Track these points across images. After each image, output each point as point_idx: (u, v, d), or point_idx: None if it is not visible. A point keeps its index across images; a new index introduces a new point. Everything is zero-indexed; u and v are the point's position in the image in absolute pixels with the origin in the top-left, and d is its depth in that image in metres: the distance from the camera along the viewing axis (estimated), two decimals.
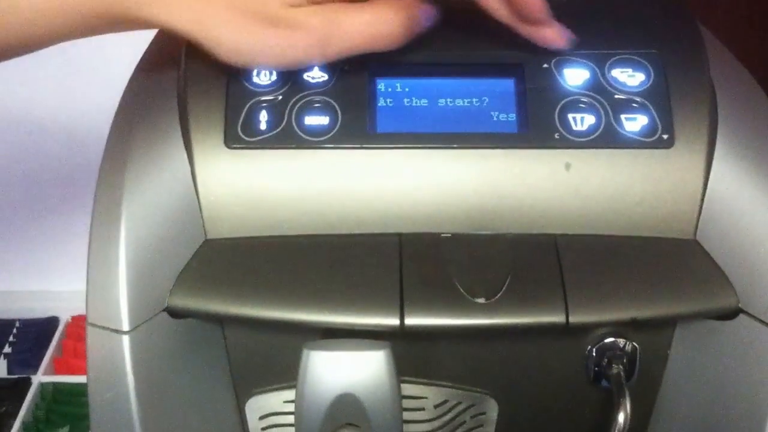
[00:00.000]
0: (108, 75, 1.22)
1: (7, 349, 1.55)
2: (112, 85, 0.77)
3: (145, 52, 0.78)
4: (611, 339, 0.71)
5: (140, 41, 0.79)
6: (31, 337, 1.57)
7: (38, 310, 1.61)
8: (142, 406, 0.66)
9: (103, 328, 0.65)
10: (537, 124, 0.68)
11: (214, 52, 0.66)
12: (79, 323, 1.59)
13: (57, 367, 1.51)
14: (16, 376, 1.47)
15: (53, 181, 1.50)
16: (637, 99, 0.69)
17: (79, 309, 1.56)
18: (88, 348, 0.65)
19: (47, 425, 1.38)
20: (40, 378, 1.45)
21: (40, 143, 1.45)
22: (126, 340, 0.65)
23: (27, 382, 1.44)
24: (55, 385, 1.44)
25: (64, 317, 1.61)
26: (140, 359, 0.65)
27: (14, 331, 1.59)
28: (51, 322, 1.60)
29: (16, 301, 1.62)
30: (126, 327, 0.64)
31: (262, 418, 0.76)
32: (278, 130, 0.68)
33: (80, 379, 1.44)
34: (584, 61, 0.70)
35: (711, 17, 0.79)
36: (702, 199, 0.67)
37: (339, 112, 0.69)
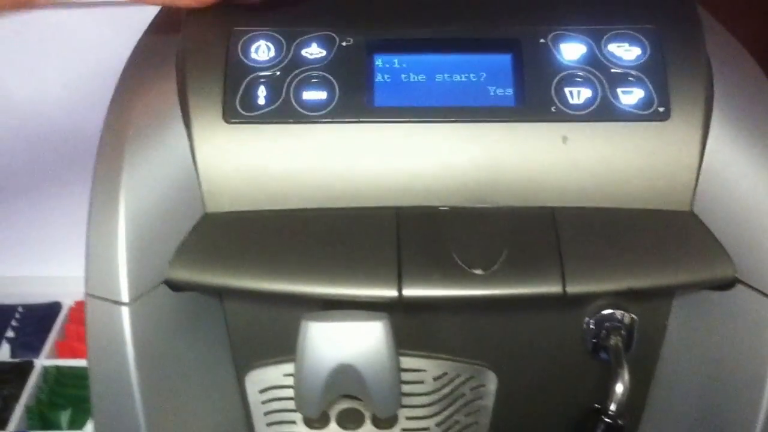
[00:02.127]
0: (107, 54, 1.22)
1: (9, 334, 1.56)
2: (111, 66, 0.78)
3: (146, 30, 0.78)
4: (609, 311, 0.72)
5: (139, 22, 0.80)
6: (34, 321, 1.57)
7: (41, 295, 1.62)
8: (142, 377, 0.67)
9: (103, 299, 0.65)
10: (534, 98, 0.69)
11: None
12: (82, 308, 1.59)
13: (60, 351, 1.51)
14: (18, 360, 1.47)
15: (55, 165, 1.50)
16: (634, 73, 0.69)
17: (82, 294, 1.56)
18: (87, 319, 0.66)
19: (50, 408, 1.39)
20: (42, 361, 1.45)
21: (41, 127, 1.45)
22: (126, 311, 0.65)
23: (30, 366, 1.44)
24: (57, 368, 1.44)
25: (67, 302, 1.61)
26: (140, 331, 0.66)
27: (17, 315, 1.59)
28: (53, 307, 1.60)
29: (19, 286, 1.62)
30: (125, 299, 0.65)
31: (262, 391, 0.76)
32: (276, 104, 0.69)
33: (83, 362, 1.44)
34: (581, 35, 0.71)
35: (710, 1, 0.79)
36: (698, 171, 0.68)
37: (337, 87, 0.69)
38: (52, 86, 1.43)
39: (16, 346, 1.53)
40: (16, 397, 1.37)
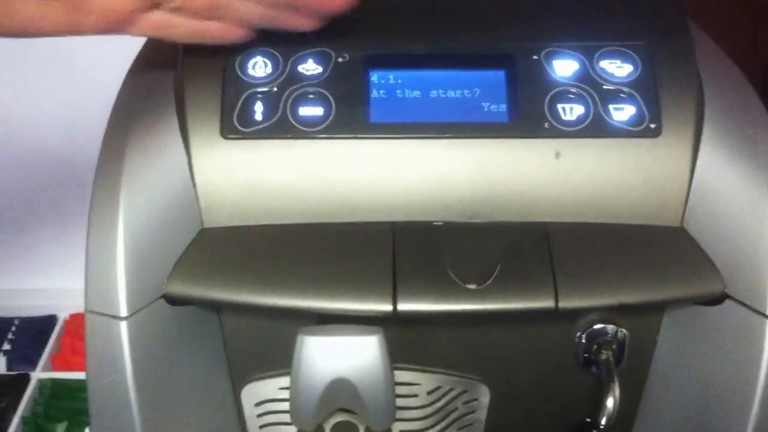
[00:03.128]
0: (106, 70, 1.23)
1: (6, 347, 1.56)
2: (109, 81, 0.78)
3: (144, 45, 0.79)
4: (600, 325, 0.72)
5: (137, 39, 0.80)
6: (30, 334, 1.58)
7: (37, 307, 1.62)
8: (140, 391, 0.67)
9: (102, 314, 0.66)
10: (527, 114, 0.69)
11: None
12: (77, 321, 1.60)
13: (55, 364, 1.52)
14: (15, 373, 1.48)
15: (52, 178, 1.51)
16: (625, 89, 0.70)
17: (78, 307, 1.56)
18: (86, 334, 0.66)
19: (46, 421, 1.39)
20: (38, 374, 1.46)
21: (39, 141, 1.46)
22: (124, 326, 0.66)
23: (26, 379, 1.45)
24: (53, 381, 1.45)
25: (63, 315, 1.62)
26: (138, 345, 0.66)
27: (13, 328, 1.60)
28: (50, 320, 1.61)
29: (15, 299, 1.63)
30: (124, 313, 0.65)
31: (258, 404, 0.77)
32: (273, 120, 0.69)
33: (78, 375, 1.45)
34: (573, 52, 0.71)
35: (703, 15, 0.80)
36: (689, 187, 0.69)
37: (333, 102, 0.70)
38: (49, 101, 1.43)
39: (12, 359, 1.54)
40: (12, 410, 1.38)
